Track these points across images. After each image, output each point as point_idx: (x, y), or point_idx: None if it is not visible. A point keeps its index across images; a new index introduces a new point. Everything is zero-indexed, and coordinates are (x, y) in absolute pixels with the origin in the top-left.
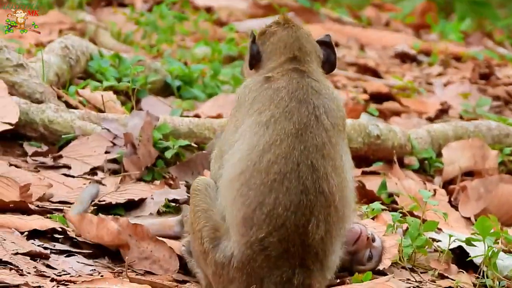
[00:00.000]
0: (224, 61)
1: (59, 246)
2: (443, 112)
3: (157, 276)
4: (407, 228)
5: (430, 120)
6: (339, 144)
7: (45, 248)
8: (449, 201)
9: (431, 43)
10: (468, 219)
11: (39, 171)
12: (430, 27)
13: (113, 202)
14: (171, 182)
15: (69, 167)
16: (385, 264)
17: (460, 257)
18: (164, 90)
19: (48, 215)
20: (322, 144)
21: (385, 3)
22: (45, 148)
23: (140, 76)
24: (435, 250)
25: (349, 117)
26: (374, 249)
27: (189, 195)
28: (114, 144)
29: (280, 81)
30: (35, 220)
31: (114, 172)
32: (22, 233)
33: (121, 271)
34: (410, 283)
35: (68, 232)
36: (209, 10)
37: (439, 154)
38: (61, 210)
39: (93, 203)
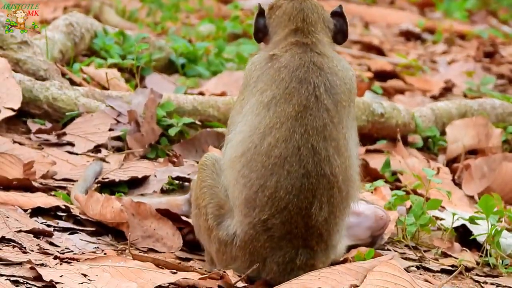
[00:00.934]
0: (229, 38)
1: (62, 224)
2: (447, 90)
3: (160, 254)
4: (411, 206)
5: (434, 98)
6: (343, 122)
7: (48, 225)
8: (453, 180)
9: (436, 21)
10: (472, 197)
11: (42, 148)
12: (434, 5)
13: (117, 180)
14: (175, 159)
15: (72, 145)
16: (384, 239)
17: (463, 235)
18: (169, 68)
19: (52, 193)
20: (323, 125)
21: None
22: (49, 125)
23: (145, 53)
24: (439, 229)
25: None
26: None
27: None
28: (118, 122)
29: (282, 59)
30: (38, 197)
31: (118, 150)
32: (25, 210)
33: (124, 248)
34: (413, 261)
35: (71, 210)
36: None
37: (443, 132)
38: (64, 188)
39: (96, 180)
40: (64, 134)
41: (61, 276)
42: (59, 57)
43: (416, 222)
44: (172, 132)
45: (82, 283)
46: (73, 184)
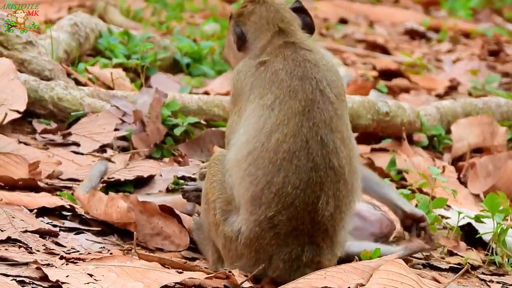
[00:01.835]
0: None
1: (68, 224)
2: (452, 89)
3: (166, 253)
4: (416, 205)
5: (439, 97)
6: (344, 114)
7: (54, 225)
8: (458, 178)
9: (440, 20)
10: (477, 196)
11: (48, 148)
12: (439, 3)
13: (122, 179)
14: (180, 159)
15: (78, 145)
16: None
17: (469, 234)
18: (173, 67)
19: (57, 193)
20: (330, 118)
21: None
22: (54, 125)
23: (149, 53)
24: (444, 227)
25: (358, 94)
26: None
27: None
28: (123, 121)
29: (275, 63)
30: (44, 197)
31: (123, 150)
32: (31, 210)
33: (130, 248)
34: (419, 259)
35: (77, 210)
36: None
37: (448, 131)
38: (70, 188)
39: (102, 180)
40: (70, 134)
41: (67, 276)
42: (64, 57)
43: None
44: (177, 131)
45: (88, 283)
46: (78, 184)
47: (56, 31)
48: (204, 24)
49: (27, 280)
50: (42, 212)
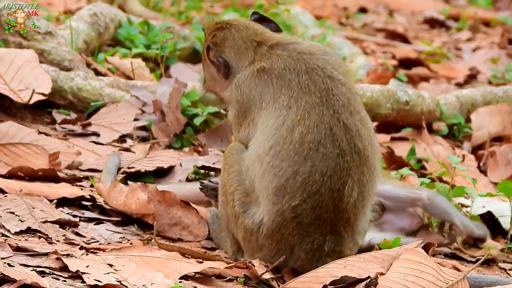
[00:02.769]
0: None
1: (88, 214)
2: (471, 78)
3: (186, 243)
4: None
5: (459, 85)
6: (356, 91)
7: (74, 216)
8: (478, 167)
9: (460, 8)
10: (497, 184)
11: (68, 138)
12: None
13: (142, 170)
14: (200, 149)
15: (98, 135)
16: None
17: (489, 222)
18: (193, 57)
19: (77, 183)
20: (347, 100)
21: None
22: (74, 115)
23: (169, 43)
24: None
25: (378, 83)
26: None
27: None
28: (143, 112)
29: (274, 65)
30: (63, 187)
31: (143, 140)
32: (51, 201)
33: (150, 238)
34: (438, 249)
35: (96, 200)
36: None
37: (468, 120)
38: (90, 178)
39: (121, 171)
40: (89, 124)
41: (87, 267)
42: (83, 48)
43: None
44: (197, 121)
45: (108, 273)
46: (98, 174)
47: (76, 21)
48: (223, 14)
49: (47, 270)
50: (62, 202)
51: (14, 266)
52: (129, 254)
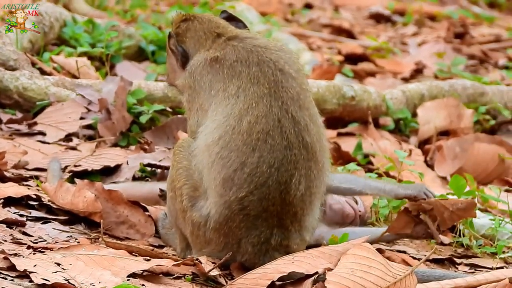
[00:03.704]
0: None
1: (35, 213)
2: (418, 72)
3: (134, 241)
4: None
5: (405, 80)
6: (307, 88)
7: (21, 215)
8: (425, 161)
9: (406, 3)
10: (444, 178)
11: (14, 138)
12: None
13: (89, 169)
14: (146, 146)
15: (44, 134)
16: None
17: None
18: (139, 55)
19: (24, 183)
20: (297, 94)
21: None
22: (19, 115)
23: (114, 41)
24: None
25: (324, 79)
26: (361, 217)
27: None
28: (89, 110)
29: (228, 56)
30: (10, 187)
31: (89, 138)
32: None
33: (97, 237)
34: (387, 243)
35: (43, 199)
36: None
37: (414, 114)
38: (36, 177)
39: (68, 169)
40: (35, 123)
41: (34, 266)
42: (28, 47)
43: (388, 204)
44: (143, 119)
45: (56, 272)
46: (45, 174)
47: None
48: (169, 12)
49: None
50: (8, 202)
51: None
52: (77, 253)
